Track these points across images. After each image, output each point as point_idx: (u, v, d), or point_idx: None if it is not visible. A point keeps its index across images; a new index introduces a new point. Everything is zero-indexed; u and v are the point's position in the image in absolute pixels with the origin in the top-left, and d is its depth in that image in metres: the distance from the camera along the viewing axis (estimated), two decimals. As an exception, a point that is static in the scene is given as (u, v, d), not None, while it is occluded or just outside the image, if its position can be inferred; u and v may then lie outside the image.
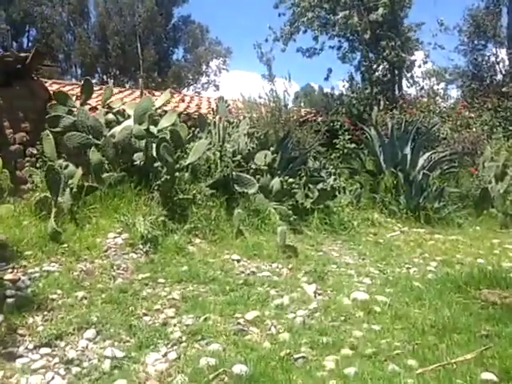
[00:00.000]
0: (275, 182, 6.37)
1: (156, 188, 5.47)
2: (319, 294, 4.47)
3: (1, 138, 6.31)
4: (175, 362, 3.22)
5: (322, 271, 4.98)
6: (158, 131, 5.94)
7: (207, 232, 5.51)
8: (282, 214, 6.24)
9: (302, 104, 24.76)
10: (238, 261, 5.09)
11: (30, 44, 31.33)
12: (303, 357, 3.32)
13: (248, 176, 6.14)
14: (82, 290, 3.95)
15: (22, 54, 7.58)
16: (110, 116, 6.14)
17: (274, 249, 5.41)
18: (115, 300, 3.88)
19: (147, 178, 5.86)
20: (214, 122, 6.08)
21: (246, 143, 6.45)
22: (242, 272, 4.84)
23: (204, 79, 34.75)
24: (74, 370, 3.04)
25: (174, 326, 3.68)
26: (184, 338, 3.49)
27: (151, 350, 3.31)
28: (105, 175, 5.76)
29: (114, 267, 4.44)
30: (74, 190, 4.93)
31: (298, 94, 32.29)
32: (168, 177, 5.39)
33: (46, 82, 9.91)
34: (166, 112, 6.69)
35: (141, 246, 4.88)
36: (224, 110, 6.99)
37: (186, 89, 31.75)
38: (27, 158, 6.83)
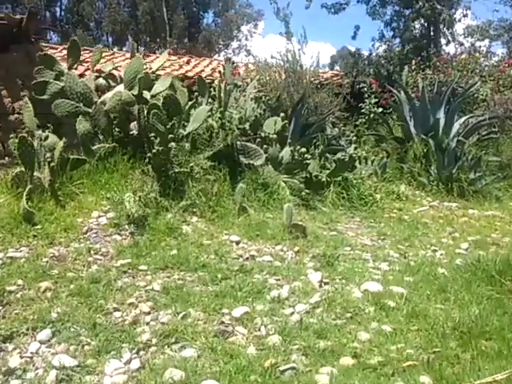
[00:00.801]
0: (285, 152, 5.70)
1: (147, 161, 4.91)
2: (325, 284, 3.85)
3: (-2, 108, 5.86)
4: (137, 372, 2.70)
5: (333, 255, 4.34)
6: (152, 97, 5.34)
7: (205, 209, 4.93)
8: (292, 187, 5.60)
9: (338, 68, 23.53)
10: (238, 242, 4.50)
11: (62, 13, 31.08)
12: (292, 368, 2.73)
13: (254, 146, 5.50)
14: (48, 280, 3.46)
15: (18, 17, 7.06)
16: (101, 81, 5.56)
17: (279, 228, 4.80)
18: (84, 292, 3.37)
19: (142, 150, 5.30)
20: (219, 86, 5.44)
21: (253, 109, 5.78)
22: (240, 256, 4.25)
23: (235, 44, 33.89)
24: None
25: (147, 324, 3.15)
26: (154, 341, 2.96)
27: (112, 357, 2.79)
28: (95, 147, 5.24)
29: (92, 252, 3.93)
30: (54, 163, 4.41)
31: (334, 58, 30.90)
32: (160, 148, 4.80)
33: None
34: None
35: (127, 227, 4.35)
36: (229, 72, 6.30)
37: (216, 54, 30.95)
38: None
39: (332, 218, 5.40)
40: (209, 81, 7.27)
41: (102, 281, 3.54)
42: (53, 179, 4.44)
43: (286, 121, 5.70)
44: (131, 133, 5.41)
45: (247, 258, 4.24)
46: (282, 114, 5.75)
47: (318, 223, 5.23)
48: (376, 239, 5.02)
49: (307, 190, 5.59)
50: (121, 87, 5.37)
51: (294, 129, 6.38)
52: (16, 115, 6.61)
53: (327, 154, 6.38)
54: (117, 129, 5.41)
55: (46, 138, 4.64)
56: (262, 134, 5.82)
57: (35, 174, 4.39)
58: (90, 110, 5.40)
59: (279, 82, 6.66)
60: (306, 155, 5.59)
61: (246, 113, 5.83)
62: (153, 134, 4.95)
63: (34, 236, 3.99)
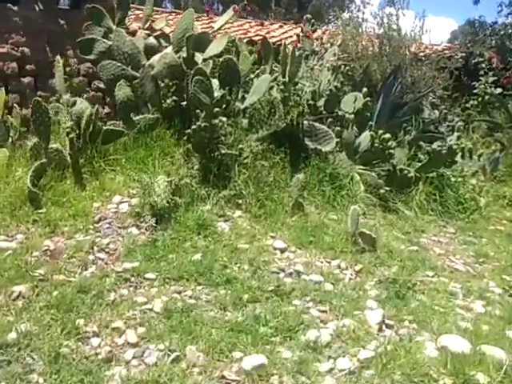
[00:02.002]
0: (364, 138, 4.55)
1: (186, 138, 4.07)
2: (388, 327, 2.79)
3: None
4: None
5: (406, 282, 3.24)
6: (204, 60, 4.45)
7: (252, 203, 4.00)
8: (369, 182, 4.47)
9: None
10: (283, 250, 3.54)
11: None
12: None
13: (324, 127, 4.42)
14: (27, 283, 2.78)
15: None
16: (151, 40, 4.77)
17: (342, 236, 3.74)
18: (65, 304, 2.64)
19: (190, 124, 4.46)
20: (284, 51, 4.39)
21: (328, 81, 4.68)
22: (281, 270, 3.29)
23: (346, 15, 32.05)
24: None
25: (125, 364, 2.34)
26: (120, 398, 2.14)
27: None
28: (137, 117, 4.50)
29: (95, 248, 3.20)
30: (73, 134, 3.71)
31: (454, 33, 27.97)
32: (202, 124, 3.92)
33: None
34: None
35: (149, 219, 3.56)
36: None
37: (326, 25, 29.48)
38: (92, 93, 5.86)
39: (416, 227, 4.21)
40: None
41: (92, 290, 2.79)
42: (73, 153, 3.76)
43: (369, 98, 4.54)
44: (182, 104, 4.58)
45: (290, 274, 3.27)
46: (364, 90, 4.59)
47: (395, 232, 4.09)
48: (472, 262, 3.78)
49: (387, 187, 4.42)
50: (170, 48, 4.55)
51: (382, 108, 5.17)
52: (81, 77, 6.08)
53: (420, 143, 5.10)
54: (166, 97, 4.60)
55: (74, 103, 3.97)
56: (339, 113, 4.71)
57: (53, 145, 3.73)
58: (138, 74, 4.65)
59: (369, 50, 5.46)
60: (389, 142, 4.40)
61: (321, 86, 4.75)
62: (197, 107, 4.08)
63: (35, 221, 3.34)
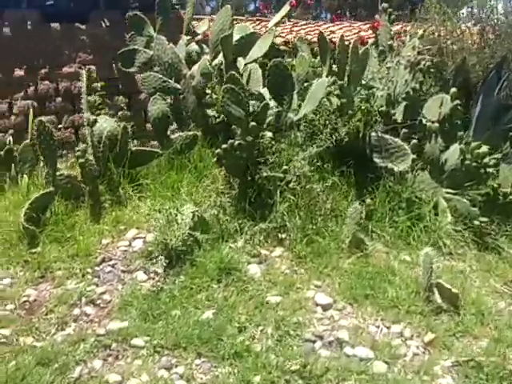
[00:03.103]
0: (452, 152, 3.49)
1: (216, 160, 3.36)
2: None
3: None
4: None
5: (500, 369, 2.20)
6: (246, 65, 3.73)
7: (298, 238, 3.16)
8: (459, 210, 3.40)
9: None
10: (327, 307, 2.67)
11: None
12: None
13: (397, 140, 3.44)
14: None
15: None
16: (194, 47, 4.16)
17: (413, 287, 2.77)
18: (15, 382, 2.06)
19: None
20: (341, 46, 3.48)
21: (405, 81, 3.69)
22: (318, 337, 2.44)
23: (465, 12, 29.58)
24: None
25: None
26: None
27: None
28: (175, 135, 3.92)
29: (84, 299, 2.61)
30: (83, 159, 3.20)
31: None
32: (237, 142, 3.20)
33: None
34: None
35: (162, 259, 2.90)
36: (387, 31, 4.22)
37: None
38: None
39: (524, 274, 3.08)
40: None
41: (56, 361, 2.18)
42: (87, 180, 3.25)
43: (459, 101, 3.47)
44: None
45: (328, 344, 2.41)
46: (452, 90, 3.52)
47: (493, 281, 2.99)
48: None
49: (485, 218, 3.32)
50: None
51: (481, 113, 4.03)
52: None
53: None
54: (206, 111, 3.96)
55: (94, 122, 3.48)
56: (419, 122, 3.69)
57: (63, 171, 3.25)
58: (179, 86, 4.08)
59: (465, 41, 4.33)
60: (486, 159, 3.30)
61: (396, 88, 3.79)
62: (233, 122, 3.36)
63: (26, 262, 2.85)
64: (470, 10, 4.89)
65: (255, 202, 3.32)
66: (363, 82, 3.85)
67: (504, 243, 3.33)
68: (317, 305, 2.68)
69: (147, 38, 4.36)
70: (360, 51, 3.55)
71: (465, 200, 3.39)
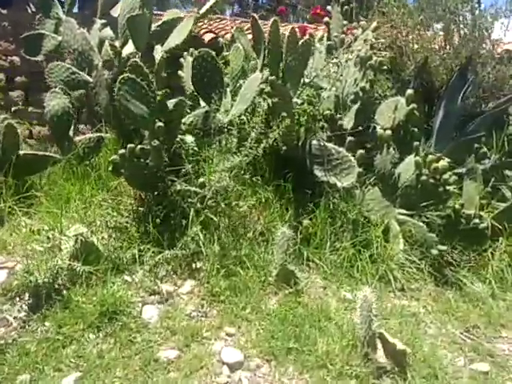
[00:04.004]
0: (406, 165, 2.91)
1: (111, 169, 2.68)
2: None
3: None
4: None
5: None
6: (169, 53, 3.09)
7: (215, 269, 2.52)
8: (414, 236, 2.82)
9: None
10: (234, 368, 2.02)
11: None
12: None
13: (341, 150, 2.84)
14: None
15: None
16: (108, 32, 3.49)
17: (350, 337, 2.15)
18: None
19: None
20: (274, 34, 2.87)
21: (355, 80, 3.10)
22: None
23: None
24: None
25: None
26: None
27: None
28: (80, 138, 3.24)
29: None
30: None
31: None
32: (141, 147, 2.54)
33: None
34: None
35: (28, 299, 2.21)
36: (339, 25, 3.62)
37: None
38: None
39: (491, 316, 2.49)
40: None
41: None
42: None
43: (414, 105, 2.89)
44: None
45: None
46: (409, 91, 2.94)
47: (451, 326, 2.40)
48: None
49: (444, 246, 2.74)
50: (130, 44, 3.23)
51: (443, 121, 3.49)
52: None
53: (506, 172, 3.35)
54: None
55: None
56: (371, 127, 3.11)
57: None
58: (91, 79, 3.40)
59: (427, 40, 3.78)
60: (445, 174, 2.73)
61: (345, 88, 3.20)
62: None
63: None
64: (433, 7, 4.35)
65: (164, 222, 2.66)
66: (306, 80, 3.26)
67: (466, 277, 2.76)
68: (223, 363, 2.04)
69: (56, 20, 3.68)
70: (300, 43, 2.94)
71: (421, 224, 2.81)
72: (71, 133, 3.23)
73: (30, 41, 3.68)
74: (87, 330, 2.09)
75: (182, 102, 2.71)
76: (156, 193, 2.67)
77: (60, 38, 3.57)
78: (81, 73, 3.46)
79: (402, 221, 2.90)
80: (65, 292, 2.23)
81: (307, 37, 3.02)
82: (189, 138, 2.93)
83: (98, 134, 3.14)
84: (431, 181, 2.75)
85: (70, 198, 2.90)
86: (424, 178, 2.76)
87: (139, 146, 2.53)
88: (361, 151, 2.84)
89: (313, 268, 2.75)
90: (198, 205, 2.58)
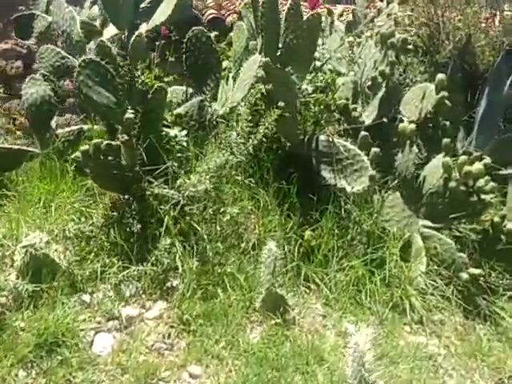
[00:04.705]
0: (432, 169, 2.38)
1: (73, 169, 2.31)
2: None
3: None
4: None
5: None
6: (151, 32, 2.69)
7: (191, 288, 2.11)
8: (440, 254, 2.30)
9: None
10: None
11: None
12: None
13: (353, 148, 2.35)
14: None
15: None
16: (95, 10, 3.12)
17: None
18: None
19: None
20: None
21: (374, 63, 2.56)
22: None
23: None
24: None
25: None
26: None
27: None
28: (62, 131, 2.91)
29: None
30: None
31: None
32: (107, 142, 2.15)
33: None
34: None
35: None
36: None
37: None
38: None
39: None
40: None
41: None
42: None
43: (445, 93, 2.32)
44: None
45: None
46: (439, 76, 2.37)
47: (478, 376, 1.89)
48: None
49: (477, 270, 2.21)
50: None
51: (486, 114, 2.91)
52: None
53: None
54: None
55: None
56: (393, 120, 2.60)
57: None
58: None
59: (471, 11, 3.14)
60: (480, 181, 2.18)
61: (364, 72, 2.68)
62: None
63: None
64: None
65: (136, 231, 2.28)
66: (317, 64, 2.77)
67: (505, 309, 2.22)
68: (174, 416, 1.64)
69: (48, -1, 3.35)
70: (306, 16, 2.44)
71: (449, 240, 2.28)
72: (53, 124, 2.90)
73: (21, 22, 3.37)
74: (17, 366, 1.74)
75: (162, 89, 2.30)
76: (130, 196, 2.28)
77: (50, 19, 3.24)
78: (70, 57, 3.11)
79: (426, 235, 2.38)
80: (2, 316, 1.89)
81: (317, 11, 2.52)
82: (175, 132, 2.52)
83: (79, 126, 2.79)
84: (462, 188, 2.21)
85: (42, 199, 2.56)
86: (453, 184, 2.22)
87: (105, 142, 2.14)
88: (375, 149, 2.34)
89: (313, 290, 2.29)
90: (172, 212, 2.16)
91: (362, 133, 2.42)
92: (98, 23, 2.84)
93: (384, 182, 2.58)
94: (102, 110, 2.14)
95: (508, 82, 2.92)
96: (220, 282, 2.18)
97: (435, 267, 2.28)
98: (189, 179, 2.22)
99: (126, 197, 2.29)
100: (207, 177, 2.18)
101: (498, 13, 3.39)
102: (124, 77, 2.15)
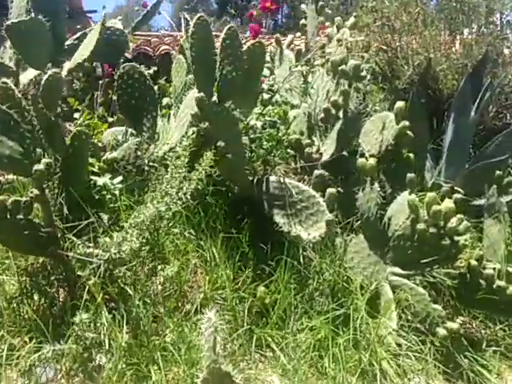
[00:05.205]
0: (398, 206, 2.10)
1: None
2: None
3: None
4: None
5: None
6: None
7: (119, 369, 1.75)
8: (412, 306, 1.99)
9: None
10: None
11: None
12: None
13: (306, 188, 2.06)
14: None
15: None
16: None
17: None
18: None
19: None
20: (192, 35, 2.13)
21: (326, 93, 2.30)
22: None
23: None
24: None
25: None
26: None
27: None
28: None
29: None
30: None
31: None
32: (14, 199, 1.82)
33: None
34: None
35: None
36: (313, 25, 2.84)
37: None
38: None
39: None
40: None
41: None
42: None
43: (406, 122, 2.06)
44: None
45: None
46: (398, 104, 2.12)
47: None
48: None
49: (453, 324, 1.90)
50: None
51: (454, 140, 2.67)
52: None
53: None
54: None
55: None
56: (352, 154, 2.33)
57: None
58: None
59: (429, 35, 2.89)
60: (451, 222, 1.90)
61: (317, 102, 2.42)
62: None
63: None
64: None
65: (52, 301, 1.92)
66: (266, 97, 2.50)
67: (490, 366, 1.90)
68: None
69: None
70: (248, 45, 2.19)
71: (422, 290, 1.98)
72: None
73: None
74: None
75: (82, 133, 1.99)
76: (47, 259, 1.94)
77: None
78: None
79: (396, 284, 2.08)
80: None
81: (260, 40, 2.27)
82: (105, 180, 2.20)
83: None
84: (432, 230, 1.92)
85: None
86: (421, 226, 1.93)
87: (11, 199, 1.81)
88: (331, 190, 2.05)
89: (269, 358, 1.95)
90: (93, 277, 1.82)
91: (316, 171, 2.14)
92: (12, 64, 2.53)
93: (347, 223, 2.30)
94: (4, 163, 1.81)
95: (474, 107, 2.69)
96: (156, 357, 1.83)
97: (408, 322, 1.97)
98: (104, 241, 1.88)
99: (42, 260, 1.94)
100: (134, 233, 1.84)
101: (457, 36, 3.20)
102: (31, 122, 1.83)
